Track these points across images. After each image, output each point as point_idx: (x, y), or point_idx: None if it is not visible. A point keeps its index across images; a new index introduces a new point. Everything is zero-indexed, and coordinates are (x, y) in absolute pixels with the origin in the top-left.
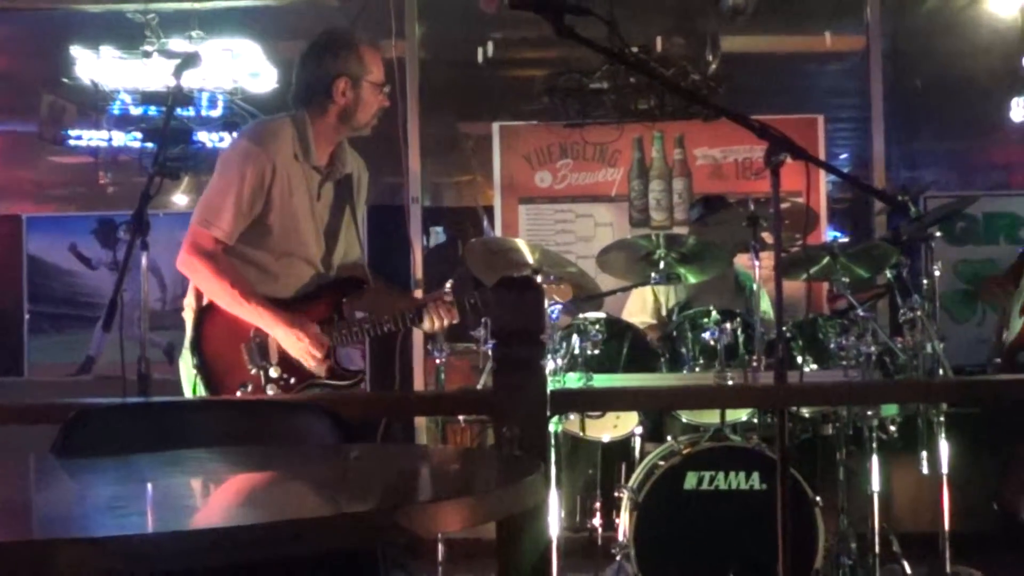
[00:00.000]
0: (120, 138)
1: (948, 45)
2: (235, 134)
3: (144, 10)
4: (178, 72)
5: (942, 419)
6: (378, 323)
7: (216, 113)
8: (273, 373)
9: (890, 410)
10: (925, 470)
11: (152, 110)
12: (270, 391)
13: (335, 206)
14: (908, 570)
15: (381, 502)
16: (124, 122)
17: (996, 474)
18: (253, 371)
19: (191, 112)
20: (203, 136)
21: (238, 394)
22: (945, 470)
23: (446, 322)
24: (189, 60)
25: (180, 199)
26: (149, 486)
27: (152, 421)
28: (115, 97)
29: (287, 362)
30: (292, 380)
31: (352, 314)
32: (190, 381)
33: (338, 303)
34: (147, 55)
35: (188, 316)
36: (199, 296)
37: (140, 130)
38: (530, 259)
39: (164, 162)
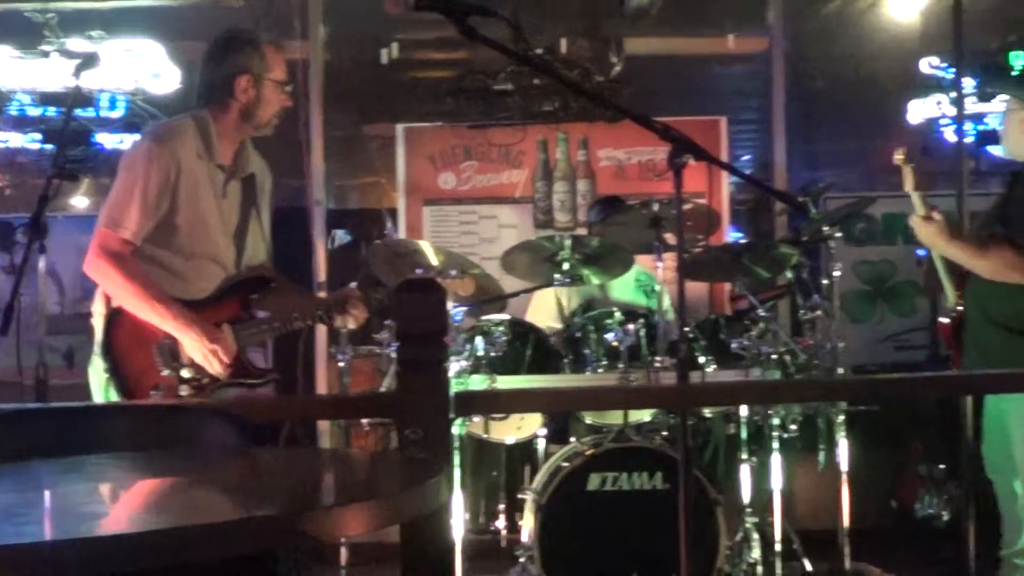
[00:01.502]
0: (18, 139)
1: (848, 48)
2: (137, 136)
3: (43, 9)
4: (78, 72)
5: (841, 418)
6: (288, 321)
7: (117, 114)
8: (186, 374)
9: (790, 409)
10: (824, 468)
11: (51, 111)
12: (184, 392)
13: (242, 206)
14: (809, 567)
15: (284, 507)
16: (22, 123)
17: (894, 471)
18: (166, 373)
19: (91, 113)
20: (103, 137)
21: (151, 395)
22: (844, 468)
23: (359, 318)
24: (89, 60)
25: (80, 201)
26: (48, 493)
27: (50, 427)
28: (13, 98)
29: (199, 363)
30: (205, 380)
31: (260, 312)
32: (101, 387)
33: (246, 302)
34: (46, 55)
35: (98, 323)
36: (108, 301)
37: (39, 131)
38: (434, 261)
39: (63, 164)
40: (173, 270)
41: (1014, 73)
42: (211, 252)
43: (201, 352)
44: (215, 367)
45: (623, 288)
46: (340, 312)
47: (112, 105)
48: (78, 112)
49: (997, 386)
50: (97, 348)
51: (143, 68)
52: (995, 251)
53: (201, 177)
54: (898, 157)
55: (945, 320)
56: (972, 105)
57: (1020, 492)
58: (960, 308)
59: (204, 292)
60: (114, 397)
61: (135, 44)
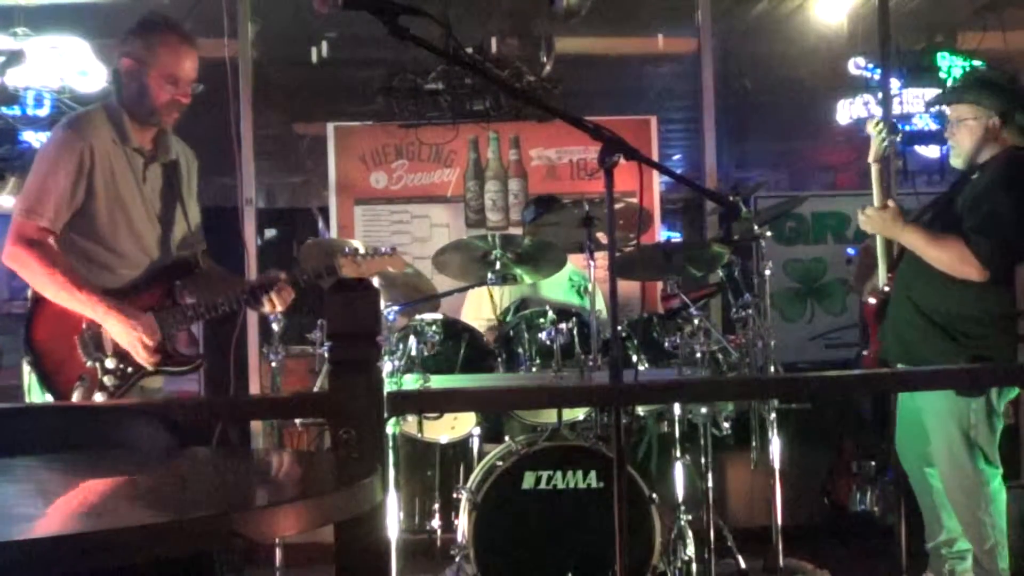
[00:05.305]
0: None
1: (777, 49)
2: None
3: None
4: (3, 70)
5: (773, 415)
6: (212, 306)
7: (43, 112)
8: (109, 364)
9: (723, 407)
10: (757, 465)
11: None
12: (107, 382)
13: (165, 191)
14: (743, 564)
15: (217, 507)
16: None
17: (825, 468)
18: (88, 363)
19: (17, 111)
20: (30, 136)
21: (75, 388)
22: (777, 465)
23: (286, 299)
24: (13, 57)
25: (6, 200)
26: None
27: None
28: None
29: (123, 352)
30: (129, 369)
31: (185, 299)
32: (29, 382)
33: (170, 288)
34: None
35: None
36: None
37: None
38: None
39: None
40: (96, 259)
41: (953, 83)
42: (134, 239)
43: (127, 339)
44: (141, 354)
45: (556, 287)
46: (266, 294)
47: (38, 103)
48: (3, 110)
49: (925, 383)
50: (22, 342)
51: (69, 66)
52: (950, 243)
53: (118, 161)
54: (871, 126)
55: (872, 300)
56: (899, 105)
57: (935, 484)
58: (887, 289)
59: (128, 279)
60: (37, 390)
61: (61, 41)
